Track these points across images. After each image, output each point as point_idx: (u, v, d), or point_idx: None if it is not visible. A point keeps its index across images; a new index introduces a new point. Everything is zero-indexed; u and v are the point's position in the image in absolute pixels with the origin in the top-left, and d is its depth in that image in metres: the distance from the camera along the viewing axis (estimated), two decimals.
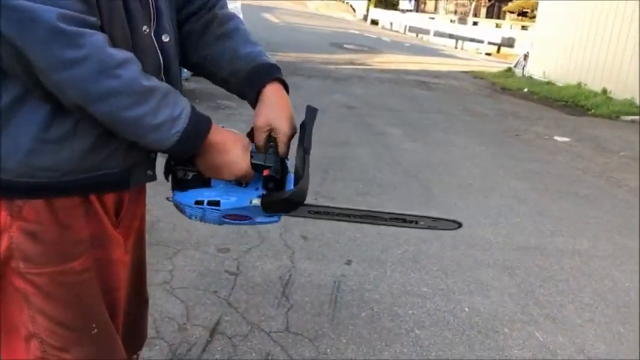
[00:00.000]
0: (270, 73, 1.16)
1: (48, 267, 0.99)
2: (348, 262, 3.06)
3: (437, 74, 12.84)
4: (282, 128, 1.14)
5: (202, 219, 1.15)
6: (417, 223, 1.31)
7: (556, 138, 7.01)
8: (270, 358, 2.17)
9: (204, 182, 1.12)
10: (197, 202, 1.12)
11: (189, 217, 1.16)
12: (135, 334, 1.30)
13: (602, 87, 10.17)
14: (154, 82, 0.96)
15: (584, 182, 5.13)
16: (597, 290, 3.00)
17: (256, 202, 1.12)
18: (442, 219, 1.34)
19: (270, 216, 1.16)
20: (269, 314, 2.44)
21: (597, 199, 4.63)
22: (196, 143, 1.01)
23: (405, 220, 1.31)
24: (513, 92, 11.18)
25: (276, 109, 1.14)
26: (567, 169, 5.56)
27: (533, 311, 2.72)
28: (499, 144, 6.40)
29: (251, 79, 1.14)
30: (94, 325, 1.06)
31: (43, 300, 1.01)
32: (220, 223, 1.17)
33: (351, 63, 13.46)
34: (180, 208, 1.15)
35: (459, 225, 1.33)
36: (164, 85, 0.98)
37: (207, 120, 1.03)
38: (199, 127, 1.01)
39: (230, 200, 1.13)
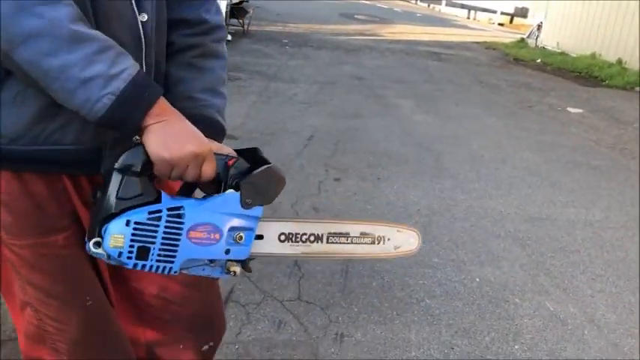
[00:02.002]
0: (208, 130, 0.99)
1: (27, 239, 0.97)
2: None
3: (449, 45, 12.68)
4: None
5: (146, 255, 0.89)
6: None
7: (569, 109, 6.93)
8: (282, 325, 2.20)
9: (149, 196, 0.91)
10: (151, 213, 0.89)
11: (125, 262, 0.89)
12: (197, 321, 1.24)
13: (617, 57, 10.01)
14: (92, 32, 0.83)
15: (597, 153, 5.09)
16: (609, 261, 3.00)
17: (231, 191, 0.94)
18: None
19: (238, 243, 0.96)
20: (281, 283, 2.47)
21: (610, 171, 4.59)
22: (136, 111, 0.85)
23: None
24: (526, 63, 11.03)
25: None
26: (580, 140, 5.51)
27: (544, 281, 2.73)
28: (511, 115, 6.34)
29: None
30: (87, 298, 1.03)
31: (29, 271, 0.99)
32: (176, 267, 0.93)
33: (362, 34, 13.31)
34: (111, 243, 0.88)
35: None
36: (108, 40, 0.85)
37: (156, 90, 0.89)
38: (141, 94, 0.85)
39: (197, 201, 0.94)
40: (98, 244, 0.88)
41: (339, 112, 5.78)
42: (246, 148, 1.02)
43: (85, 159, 0.95)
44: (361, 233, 1.11)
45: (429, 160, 4.48)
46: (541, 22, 13.30)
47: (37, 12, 0.78)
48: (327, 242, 1.08)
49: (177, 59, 1.10)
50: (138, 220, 0.88)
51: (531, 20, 17.14)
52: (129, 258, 0.89)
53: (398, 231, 1.15)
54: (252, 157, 0.99)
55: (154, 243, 0.90)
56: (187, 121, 0.93)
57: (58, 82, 0.81)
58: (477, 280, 2.69)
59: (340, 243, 1.09)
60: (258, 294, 2.37)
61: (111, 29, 0.89)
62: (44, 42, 0.79)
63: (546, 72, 10.00)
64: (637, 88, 8.70)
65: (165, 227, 0.90)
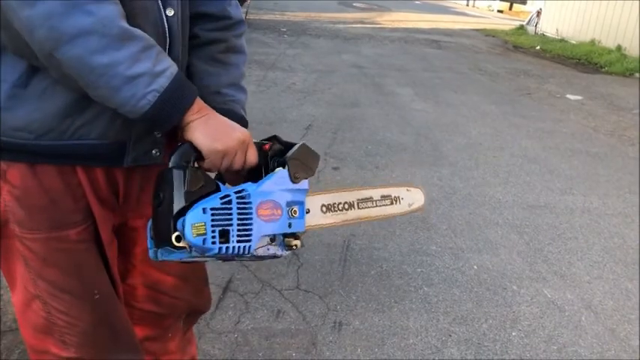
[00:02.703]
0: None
1: (40, 233, 0.97)
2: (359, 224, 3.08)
3: (448, 32, 12.63)
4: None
5: (227, 237, 0.94)
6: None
7: (568, 96, 6.92)
8: (281, 314, 2.22)
9: (210, 186, 0.95)
10: (222, 198, 0.93)
11: (209, 247, 0.92)
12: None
13: (616, 44, 9.97)
14: (136, 30, 0.85)
15: (596, 140, 5.08)
16: (606, 248, 3.01)
17: (279, 169, 1.01)
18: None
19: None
20: (280, 272, 2.48)
21: (609, 157, 4.59)
22: (179, 108, 0.89)
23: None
24: (525, 50, 10.99)
25: None
26: (579, 127, 5.50)
27: (541, 269, 2.74)
28: (510, 103, 6.33)
29: None
30: (95, 292, 1.05)
31: (41, 265, 1.00)
32: (254, 245, 0.97)
33: (361, 22, 13.25)
34: (194, 232, 0.91)
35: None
36: (150, 39, 0.87)
37: (194, 88, 0.93)
38: (183, 91, 0.89)
39: (253, 184, 0.98)
40: (179, 239, 0.91)
41: (338, 101, 5.77)
42: (267, 138, 1.08)
43: (107, 153, 0.96)
44: (382, 196, 1.22)
45: (428, 148, 4.48)
46: (540, 9, 13.23)
47: (87, 10, 0.79)
48: (358, 208, 1.18)
49: (201, 53, 1.11)
50: (213, 206, 0.92)
51: (530, 7, 17.03)
52: (213, 243, 0.92)
53: (407, 190, 1.28)
54: (278, 142, 1.06)
55: (231, 225, 0.94)
56: (219, 114, 0.97)
57: (104, 79, 0.82)
58: (475, 267, 2.70)
59: (368, 207, 1.20)
60: (256, 283, 2.39)
61: (136, 24, 0.89)
62: (94, 39, 0.80)
63: (545, 59, 9.96)
64: (636, 75, 8.68)
65: (238, 209, 0.95)
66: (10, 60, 0.88)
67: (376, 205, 1.21)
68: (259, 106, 5.28)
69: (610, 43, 10.18)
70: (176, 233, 0.91)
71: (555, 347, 2.16)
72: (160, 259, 0.95)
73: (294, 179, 1.01)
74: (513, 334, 2.22)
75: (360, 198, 1.18)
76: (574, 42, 11.01)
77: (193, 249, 0.92)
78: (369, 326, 2.20)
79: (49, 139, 0.91)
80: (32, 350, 1.11)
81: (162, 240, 0.93)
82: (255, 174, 1.03)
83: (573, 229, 3.20)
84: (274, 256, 1.03)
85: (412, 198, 1.28)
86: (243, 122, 1.10)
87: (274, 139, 1.07)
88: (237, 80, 1.15)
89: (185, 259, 0.94)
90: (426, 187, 3.64)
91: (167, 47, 0.97)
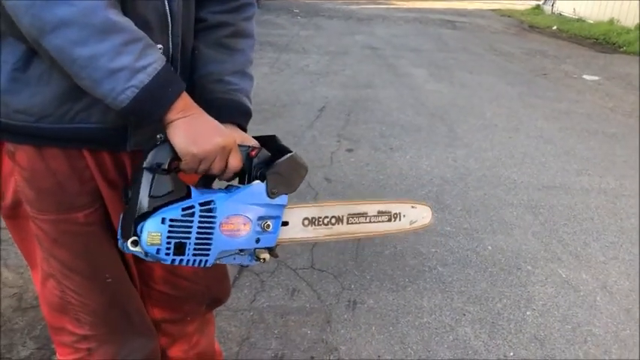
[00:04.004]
0: (236, 115, 1.06)
1: (50, 214, 0.98)
2: None
3: (463, 13, 12.47)
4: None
5: (182, 250, 0.92)
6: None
7: (585, 77, 6.82)
8: (296, 292, 2.24)
9: (180, 192, 0.93)
10: (185, 210, 0.91)
11: (163, 258, 0.91)
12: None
13: (635, 23, 9.78)
14: (122, 21, 0.83)
15: (613, 121, 5.02)
16: (622, 228, 2.99)
17: (257, 182, 0.97)
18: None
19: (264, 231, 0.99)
20: (295, 252, 2.50)
21: (626, 138, 4.53)
22: (159, 106, 0.87)
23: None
24: (542, 30, 10.83)
25: None
26: (596, 108, 5.43)
27: (556, 249, 2.73)
28: (526, 83, 6.26)
29: (214, 107, 1.00)
30: (107, 275, 1.05)
31: (51, 245, 1.01)
32: (212, 260, 0.95)
33: (374, 2, 13.12)
34: (148, 241, 0.90)
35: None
36: (138, 32, 0.85)
37: (179, 85, 0.89)
38: (165, 89, 0.86)
39: (226, 194, 0.95)
40: (135, 243, 0.90)
41: (352, 83, 5.75)
42: (264, 136, 1.04)
43: (109, 137, 0.96)
44: (378, 212, 1.15)
45: (442, 129, 4.46)
46: None
47: (70, 1, 0.78)
48: (348, 223, 1.12)
49: (207, 37, 1.08)
50: (173, 217, 0.90)
51: None
52: (167, 254, 0.91)
53: (412, 207, 1.20)
54: (272, 145, 1.01)
55: (189, 238, 0.91)
56: (208, 115, 0.94)
57: (86, 71, 0.81)
58: (490, 248, 2.70)
59: (359, 223, 1.13)
60: (272, 262, 2.41)
61: (136, 6, 0.88)
62: (75, 30, 0.79)
63: (562, 39, 9.81)
64: None
65: (199, 222, 0.92)
66: (9, 43, 0.88)
67: (370, 222, 1.14)
68: (272, 88, 5.28)
69: (629, 22, 9.99)
70: (134, 238, 0.90)
71: (570, 327, 2.16)
72: (124, 250, 0.93)
73: (271, 194, 0.97)
74: (528, 313, 2.23)
75: (352, 213, 1.12)
76: (591, 21, 10.82)
77: (148, 255, 0.91)
78: (384, 305, 2.21)
79: (49, 123, 0.91)
80: (50, 327, 1.13)
81: (124, 237, 0.92)
82: (242, 175, 1.00)
83: (589, 210, 3.18)
84: (242, 265, 1.02)
85: (416, 215, 1.22)
86: (244, 111, 1.08)
87: (271, 140, 1.03)
88: (243, 67, 1.11)
89: (145, 258, 0.93)
90: (441, 168, 3.63)
91: (170, 31, 0.96)
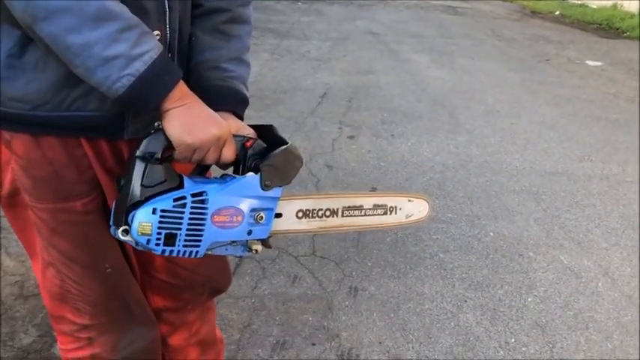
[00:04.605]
0: (233, 103, 1.04)
1: (47, 203, 0.97)
2: (373, 190, 3.08)
3: None
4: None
5: (173, 241, 0.91)
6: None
7: (588, 62, 6.78)
8: (297, 279, 2.24)
9: (172, 182, 0.92)
10: (176, 200, 0.90)
11: (153, 248, 0.90)
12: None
13: (639, 8, 9.69)
14: (117, 8, 0.81)
15: (616, 107, 4.99)
16: (625, 215, 2.98)
17: (250, 174, 0.96)
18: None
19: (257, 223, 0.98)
20: (296, 239, 2.49)
21: (629, 124, 4.51)
22: (156, 94, 0.85)
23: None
24: (544, 15, 10.75)
25: None
26: (598, 93, 5.40)
27: (558, 235, 2.72)
28: (528, 69, 6.22)
29: (210, 94, 0.98)
30: (107, 265, 1.05)
31: (50, 234, 1.00)
32: (202, 251, 0.95)
33: None
34: (139, 231, 0.89)
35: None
36: (133, 19, 0.83)
37: (176, 73, 0.88)
38: (161, 77, 0.85)
39: (219, 185, 0.94)
40: (126, 232, 0.89)
41: (353, 69, 5.72)
42: (261, 125, 1.03)
43: (106, 125, 0.94)
44: (374, 205, 1.14)
45: (444, 115, 4.44)
46: None
47: None
48: (342, 216, 1.11)
49: (204, 23, 1.07)
50: (164, 208, 0.89)
51: None
52: (157, 245, 0.90)
53: (409, 200, 1.19)
54: (268, 135, 1.00)
55: (180, 229, 0.91)
56: (204, 104, 0.92)
57: (80, 59, 0.80)
58: (491, 234, 2.69)
59: (354, 216, 1.12)
60: (273, 250, 2.40)
61: None
62: (68, 18, 0.78)
63: (565, 24, 9.74)
64: None
65: (191, 213, 0.91)
66: (3, 29, 0.86)
67: (365, 215, 1.13)
68: (273, 75, 5.25)
69: (632, 6, 9.91)
70: (125, 227, 0.89)
71: (571, 313, 2.16)
72: (116, 237, 0.93)
73: (265, 187, 0.96)
74: (529, 299, 2.23)
75: (347, 205, 1.11)
76: (595, 6, 10.73)
77: (139, 245, 0.91)
78: (385, 292, 2.21)
79: (46, 110, 0.90)
80: (51, 316, 1.13)
81: (115, 225, 0.92)
82: (237, 165, 0.99)
83: (591, 196, 3.17)
84: (234, 256, 1.01)
85: (413, 209, 1.20)
86: (240, 99, 1.07)
87: (268, 130, 1.02)
88: (240, 54, 1.09)
89: (135, 247, 0.92)
90: (442, 154, 3.62)
91: (167, 17, 0.95)
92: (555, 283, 2.34)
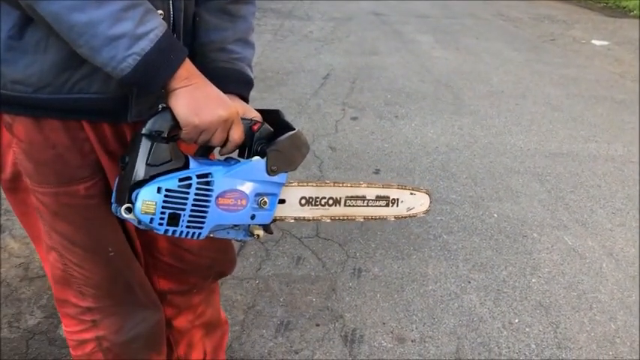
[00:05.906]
0: (238, 85, 1.04)
1: (50, 187, 0.96)
2: (376, 172, 3.07)
3: None
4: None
5: (176, 222, 0.91)
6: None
7: (594, 42, 6.70)
8: (301, 261, 2.24)
9: (178, 162, 0.91)
10: (182, 180, 0.89)
11: (156, 227, 0.90)
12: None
13: None
14: None
15: (622, 87, 4.94)
16: (629, 195, 2.97)
17: (257, 158, 0.95)
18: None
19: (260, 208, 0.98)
20: None
21: (635, 104, 4.47)
22: (162, 73, 0.84)
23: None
24: None
25: None
26: (604, 73, 5.35)
27: (562, 216, 2.71)
28: (533, 49, 6.16)
29: (216, 76, 0.96)
30: (110, 249, 1.04)
31: (52, 218, 1.00)
32: (205, 232, 0.94)
33: None
34: (143, 209, 0.88)
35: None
36: None
37: (182, 52, 0.86)
38: (167, 56, 0.83)
39: (224, 168, 0.94)
40: (129, 210, 0.89)
41: (356, 50, 5.67)
42: (268, 110, 1.02)
43: (110, 107, 0.93)
44: (377, 196, 1.15)
45: (448, 96, 4.40)
46: None
47: None
48: (345, 205, 1.12)
49: (208, 3, 1.05)
50: (169, 187, 0.88)
51: None
52: (160, 224, 0.90)
53: (411, 193, 1.20)
54: (275, 120, 0.99)
55: (184, 210, 0.90)
56: (212, 84, 0.91)
57: (84, 38, 0.78)
58: (495, 215, 2.68)
59: (357, 206, 1.13)
60: (276, 231, 2.41)
61: None
62: None
63: (571, 3, 9.62)
64: None
65: (195, 194, 0.90)
66: (3, 10, 0.85)
67: (367, 205, 1.14)
68: (276, 56, 5.21)
69: None
70: (128, 205, 0.88)
71: (575, 294, 2.16)
72: (117, 215, 0.92)
73: (271, 172, 0.96)
74: (533, 280, 2.23)
75: (350, 195, 1.11)
76: None
77: (141, 223, 0.90)
78: (388, 273, 2.21)
79: (48, 93, 0.88)
80: (56, 299, 1.14)
81: (118, 203, 0.91)
82: (242, 148, 0.98)
83: (596, 177, 3.15)
84: (235, 240, 1.00)
85: (414, 202, 1.21)
86: (246, 80, 1.06)
87: (274, 114, 1.01)
88: (245, 35, 1.08)
89: (138, 226, 0.92)
90: (447, 135, 3.60)
91: None
92: (559, 264, 2.34)
